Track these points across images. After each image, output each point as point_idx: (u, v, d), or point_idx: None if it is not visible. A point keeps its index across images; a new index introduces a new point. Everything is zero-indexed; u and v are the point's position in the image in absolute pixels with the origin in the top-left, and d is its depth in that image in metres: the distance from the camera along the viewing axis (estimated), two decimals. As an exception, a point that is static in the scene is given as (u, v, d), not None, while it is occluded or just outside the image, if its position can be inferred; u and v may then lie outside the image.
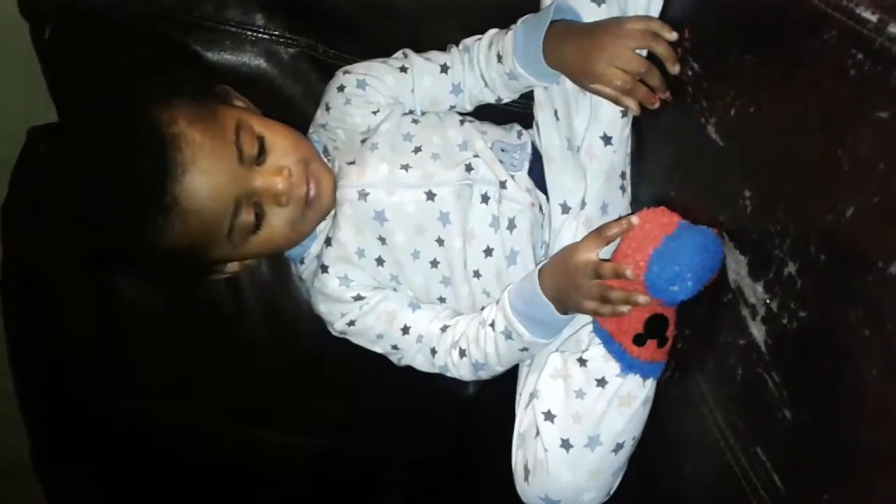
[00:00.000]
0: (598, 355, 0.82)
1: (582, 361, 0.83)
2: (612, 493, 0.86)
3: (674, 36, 0.80)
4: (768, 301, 0.65)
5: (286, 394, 1.16)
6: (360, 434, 1.19)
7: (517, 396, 0.93)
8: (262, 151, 0.87)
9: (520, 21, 0.91)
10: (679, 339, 0.79)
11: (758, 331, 0.67)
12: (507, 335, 0.87)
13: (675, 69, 0.80)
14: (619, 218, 0.81)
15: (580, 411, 0.81)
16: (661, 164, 0.86)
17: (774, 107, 0.66)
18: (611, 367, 0.81)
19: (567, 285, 0.81)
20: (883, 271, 0.54)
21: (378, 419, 1.18)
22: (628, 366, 0.80)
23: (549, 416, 0.83)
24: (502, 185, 0.90)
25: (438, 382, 1.14)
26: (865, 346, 0.56)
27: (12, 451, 1.27)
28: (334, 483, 1.22)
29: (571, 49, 0.85)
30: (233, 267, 0.97)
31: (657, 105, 0.83)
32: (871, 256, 0.55)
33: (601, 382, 0.81)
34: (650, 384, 0.81)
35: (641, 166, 0.87)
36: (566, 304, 0.82)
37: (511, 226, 0.90)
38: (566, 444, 0.81)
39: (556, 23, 0.87)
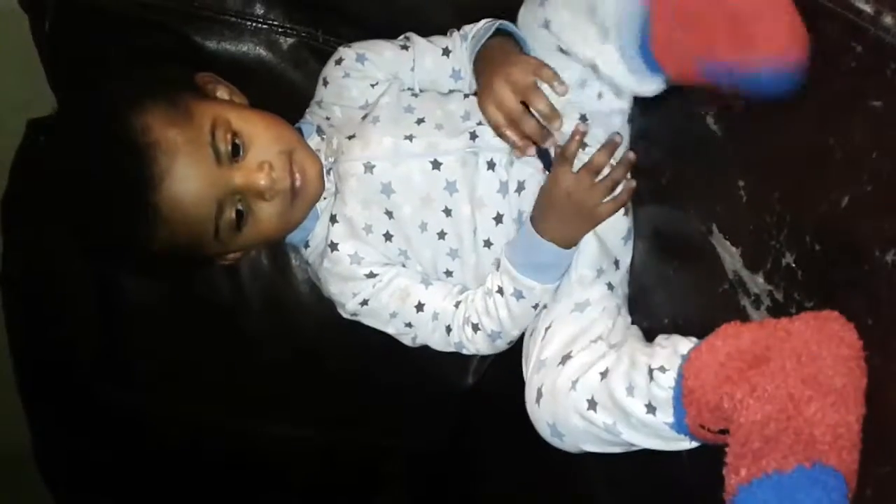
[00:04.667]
0: None
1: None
2: None
3: (563, 89, 0.83)
4: (772, 291, 0.66)
5: (287, 386, 1.17)
6: (361, 425, 1.19)
7: (528, 336, 0.91)
8: (241, 147, 0.86)
9: (484, 23, 0.92)
10: (672, 329, 0.79)
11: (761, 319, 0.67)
12: (518, 295, 0.88)
13: (553, 126, 0.84)
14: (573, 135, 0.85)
15: None
16: (658, 155, 0.86)
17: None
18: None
19: (568, 212, 0.84)
20: (880, 259, 0.55)
21: (378, 410, 1.18)
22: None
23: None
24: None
25: (439, 372, 1.15)
26: (868, 334, 0.57)
27: (14, 444, 1.28)
28: (336, 475, 1.23)
29: (480, 73, 0.89)
30: (233, 256, 0.96)
31: (526, 153, 0.86)
32: (867, 245, 0.56)
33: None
34: None
35: (638, 156, 0.88)
36: (574, 233, 0.86)
37: (520, 188, 0.89)
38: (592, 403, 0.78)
39: (495, 39, 0.89)
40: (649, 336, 0.81)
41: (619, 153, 0.87)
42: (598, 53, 0.78)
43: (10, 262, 1.17)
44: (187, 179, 0.82)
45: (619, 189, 0.85)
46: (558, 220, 0.85)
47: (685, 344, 0.70)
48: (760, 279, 0.66)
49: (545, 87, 0.85)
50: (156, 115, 0.83)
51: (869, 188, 0.57)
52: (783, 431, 0.57)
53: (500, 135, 0.86)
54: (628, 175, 0.87)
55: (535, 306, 0.89)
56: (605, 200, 0.85)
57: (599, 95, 0.87)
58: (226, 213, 0.86)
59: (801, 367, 0.58)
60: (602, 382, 0.76)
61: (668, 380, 0.69)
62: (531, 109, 0.84)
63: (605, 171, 0.85)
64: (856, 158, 0.58)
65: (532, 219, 0.87)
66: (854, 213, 0.58)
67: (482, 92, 0.87)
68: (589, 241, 0.88)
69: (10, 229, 1.16)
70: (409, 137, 0.90)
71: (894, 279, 0.54)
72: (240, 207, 0.87)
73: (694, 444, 0.72)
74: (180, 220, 0.83)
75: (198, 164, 0.83)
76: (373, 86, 0.96)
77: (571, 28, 0.81)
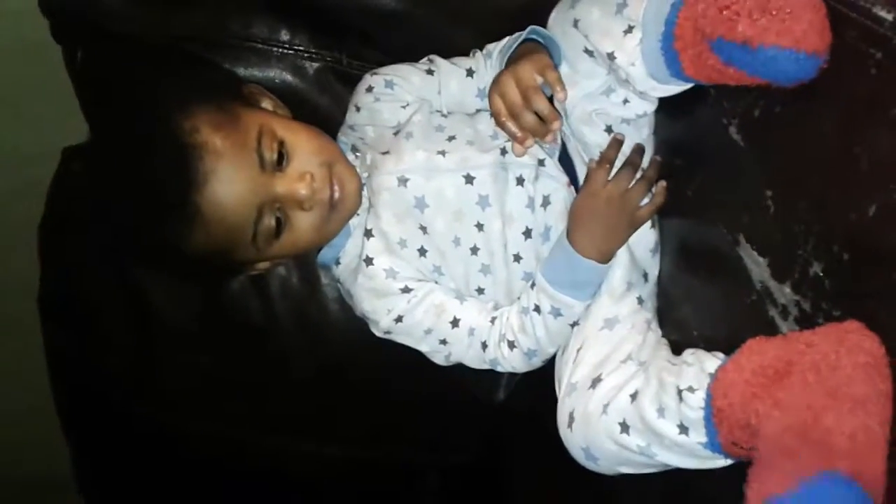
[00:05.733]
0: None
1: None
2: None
3: (562, 96, 0.83)
4: (800, 302, 0.65)
5: (317, 403, 1.17)
6: (392, 442, 1.20)
7: (560, 355, 0.91)
8: (285, 156, 0.88)
9: (510, 38, 0.92)
10: (700, 342, 0.78)
11: (789, 331, 0.66)
12: (556, 312, 0.88)
13: (553, 126, 0.84)
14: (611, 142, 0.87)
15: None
16: (683, 166, 0.86)
17: (796, 107, 0.66)
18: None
19: (608, 220, 0.85)
20: (907, 268, 0.55)
21: (409, 426, 1.19)
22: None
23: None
24: (541, 163, 0.90)
25: (467, 388, 1.16)
26: None
27: (53, 467, 1.30)
28: (369, 492, 1.23)
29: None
30: (263, 265, 0.97)
31: (522, 146, 0.86)
32: (894, 254, 0.56)
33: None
34: None
35: (662, 168, 0.88)
36: (613, 244, 0.86)
37: (545, 202, 0.90)
38: (624, 426, 0.78)
39: (523, 46, 0.90)
40: (679, 349, 0.80)
41: (645, 161, 0.89)
42: (618, 46, 0.79)
43: (48, 287, 1.19)
44: (231, 182, 0.84)
45: (659, 197, 0.87)
46: (597, 230, 0.86)
47: (712, 361, 0.70)
48: (788, 289, 0.66)
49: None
50: (204, 118, 0.85)
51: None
52: (800, 443, 0.57)
53: (500, 124, 0.87)
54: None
55: (573, 324, 0.89)
56: (642, 204, 0.87)
57: (625, 101, 0.88)
58: (265, 220, 0.87)
59: (821, 378, 0.58)
60: (633, 405, 0.76)
61: (697, 400, 0.69)
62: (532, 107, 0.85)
63: (649, 172, 0.87)
64: (882, 167, 0.58)
65: (568, 235, 0.87)
66: (882, 222, 0.58)
67: (491, 84, 0.88)
68: (620, 254, 0.88)
69: (47, 254, 1.19)
70: (442, 153, 0.91)
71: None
72: (278, 215, 0.88)
73: (729, 462, 0.71)
74: (220, 222, 0.84)
75: (242, 169, 0.85)
76: (403, 107, 0.97)
77: (598, 24, 0.81)
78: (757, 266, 0.70)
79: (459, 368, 0.99)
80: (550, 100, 0.85)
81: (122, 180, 0.86)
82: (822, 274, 0.62)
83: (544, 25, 0.91)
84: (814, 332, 0.61)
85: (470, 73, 0.98)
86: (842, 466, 0.56)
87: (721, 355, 0.70)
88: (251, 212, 0.86)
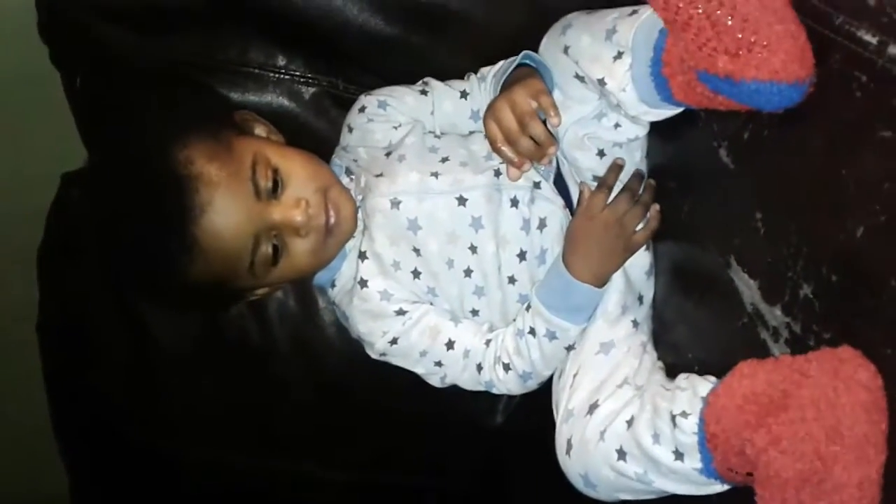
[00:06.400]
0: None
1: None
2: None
3: (556, 121, 0.84)
4: (790, 324, 0.65)
5: (316, 426, 1.18)
6: (389, 465, 1.20)
7: (557, 379, 0.91)
8: (280, 183, 0.88)
9: (504, 62, 0.93)
10: (694, 364, 0.78)
11: (781, 354, 0.66)
12: (552, 336, 0.88)
13: (549, 150, 0.85)
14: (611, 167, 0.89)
15: None
16: (675, 189, 0.86)
17: (784, 130, 0.67)
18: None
19: (605, 244, 0.86)
20: (895, 289, 0.55)
21: (408, 450, 1.19)
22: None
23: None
24: (536, 185, 0.91)
25: (467, 411, 1.15)
26: (887, 365, 0.56)
27: (51, 491, 1.30)
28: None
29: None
30: (261, 291, 0.97)
31: (520, 170, 0.88)
32: (883, 274, 0.56)
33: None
34: None
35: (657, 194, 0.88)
36: (609, 268, 0.87)
37: (542, 225, 0.91)
38: (621, 453, 0.78)
39: (518, 71, 0.90)
40: (674, 372, 0.80)
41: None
42: (608, 72, 0.79)
43: (47, 312, 1.20)
44: (227, 212, 0.84)
45: (654, 221, 0.88)
46: (593, 254, 0.86)
47: (704, 386, 0.70)
48: (779, 311, 0.66)
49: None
50: (199, 148, 0.85)
51: (883, 218, 0.56)
52: (812, 495, 0.57)
53: (496, 150, 0.87)
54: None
55: (568, 347, 0.89)
56: (637, 228, 0.87)
57: (616, 125, 0.88)
58: (262, 248, 0.88)
59: (822, 416, 0.57)
60: (629, 431, 0.76)
61: (690, 425, 0.68)
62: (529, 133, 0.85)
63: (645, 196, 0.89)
64: (868, 189, 0.58)
65: (564, 259, 0.88)
66: (869, 244, 0.57)
67: (486, 111, 0.88)
68: (616, 278, 0.88)
69: (46, 279, 1.19)
70: (435, 174, 0.92)
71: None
72: (275, 243, 0.88)
73: (726, 487, 0.71)
74: (218, 252, 0.85)
75: (238, 198, 0.85)
76: (396, 128, 0.98)
77: (588, 50, 0.82)
78: (748, 288, 0.70)
79: (457, 391, 0.99)
80: (544, 124, 0.86)
81: (118, 212, 0.87)
82: (811, 296, 0.62)
83: (537, 50, 0.92)
84: (807, 359, 0.60)
85: (464, 95, 0.99)
86: None
87: (714, 379, 0.69)
88: (248, 241, 0.86)
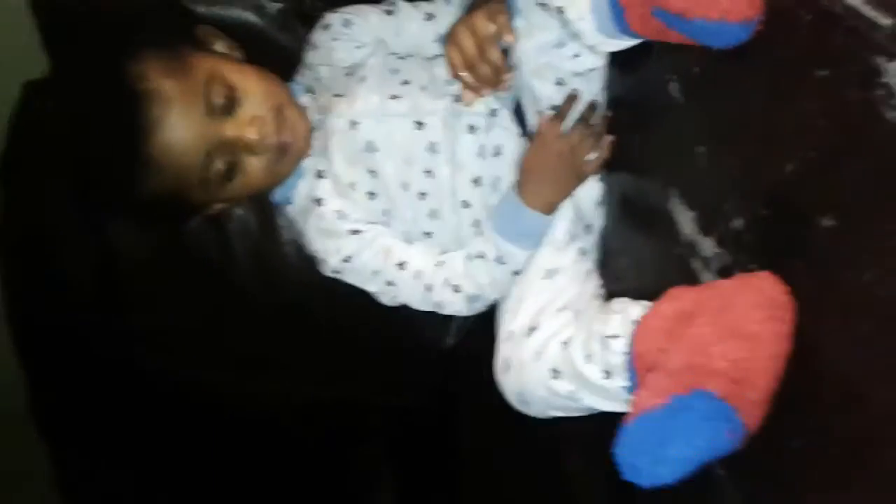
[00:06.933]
0: None
1: None
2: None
3: (510, 39, 0.85)
4: (721, 255, 0.68)
5: (274, 342, 1.19)
6: (344, 381, 1.23)
7: (502, 302, 0.94)
8: (235, 101, 0.89)
9: None
10: (632, 292, 0.81)
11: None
12: (500, 260, 0.90)
13: (506, 76, 0.86)
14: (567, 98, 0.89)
15: None
16: (627, 122, 0.88)
17: (731, 66, 0.68)
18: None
19: (557, 171, 0.88)
20: (818, 224, 0.57)
21: (361, 367, 1.21)
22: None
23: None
24: (493, 112, 0.92)
25: (421, 332, 1.18)
26: (806, 295, 0.59)
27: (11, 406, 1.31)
28: (318, 428, 1.26)
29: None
30: (218, 207, 0.98)
31: (476, 96, 0.89)
32: (808, 210, 0.58)
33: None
34: None
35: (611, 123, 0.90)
36: (559, 195, 0.89)
37: (497, 152, 0.92)
38: (555, 373, 0.81)
39: None
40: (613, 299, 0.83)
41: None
42: (568, 1, 0.79)
43: (9, 218, 1.20)
44: (178, 128, 0.85)
45: (606, 140, 0.89)
46: (545, 182, 0.88)
47: (636, 309, 0.73)
48: (711, 242, 0.68)
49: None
50: (153, 64, 0.85)
51: (812, 155, 0.59)
52: (683, 367, 0.60)
53: (455, 76, 0.88)
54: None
55: (516, 272, 0.92)
56: (590, 158, 0.88)
57: (576, 55, 0.89)
58: (215, 164, 0.88)
59: (718, 317, 0.61)
60: (563, 352, 0.79)
61: (619, 346, 0.71)
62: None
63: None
64: (803, 126, 0.60)
65: (516, 186, 0.89)
66: (798, 180, 0.60)
67: (447, 35, 0.89)
68: (565, 207, 0.90)
69: (9, 187, 1.19)
70: (395, 97, 0.92)
71: (830, 242, 0.56)
72: (229, 159, 0.89)
73: None
74: (171, 167, 0.86)
75: (190, 115, 0.86)
76: (359, 48, 0.98)
77: None
78: (686, 219, 0.72)
79: (412, 313, 1.02)
80: (504, 53, 0.86)
81: (77, 125, 0.87)
82: (742, 229, 0.65)
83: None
84: (725, 280, 0.63)
85: (430, 17, 0.99)
86: (716, 387, 0.58)
87: (646, 303, 0.72)
88: (200, 157, 0.87)
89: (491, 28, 0.85)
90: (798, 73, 0.60)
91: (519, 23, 0.88)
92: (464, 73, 0.87)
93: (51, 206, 1.16)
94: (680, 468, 0.58)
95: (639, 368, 0.68)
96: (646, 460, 0.58)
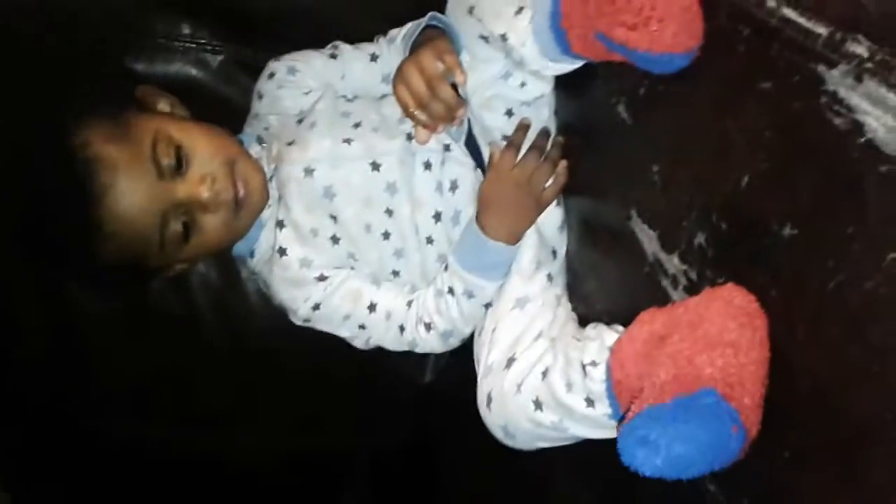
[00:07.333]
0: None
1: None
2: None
3: (462, 79, 0.85)
4: (687, 271, 0.68)
5: (241, 395, 1.19)
6: (324, 428, 1.22)
7: (477, 336, 0.93)
8: (184, 160, 0.87)
9: (413, 24, 0.94)
10: (603, 314, 0.81)
11: (680, 300, 0.69)
12: (469, 294, 0.90)
13: (458, 112, 0.87)
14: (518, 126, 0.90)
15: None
16: (579, 145, 0.88)
17: (675, 85, 0.68)
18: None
19: (516, 202, 0.88)
20: (778, 233, 0.58)
21: (339, 411, 1.20)
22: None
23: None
24: (447, 147, 0.92)
25: (397, 371, 1.17)
26: (774, 306, 0.59)
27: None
28: (302, 477, 1.25)
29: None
30: (179, 267, 0.97)
31: (432, 133, 0.89)
32: (767, 220, 0.58)
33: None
34: None
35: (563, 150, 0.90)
36: (521, 226, 0.89)
37: (454, 186, 0.92)
38: (538, 404, 0.79)
39: (426, 33, 0.91)
40: (586, 323, 0.82)
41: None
42: (510, 27, 0.80)
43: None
44: (129, 194, 0.84)
45: (562, 176, 0.89)
46: (506, 213, 0.88)
47: (610, 335, 0.73)
48: (676, 260, 0.68)
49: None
50: (96, 131, 0.84)
51: (765, 166, 0.59)
52: (673, 383, 0.59)
53: (408, 115, 0.88)
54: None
55: (486, 304, 0.91)
56: (546, 185, 0.89)
57: (522, 84, 0.90)
58: (171, 226, 0.87)
59: (694, 331, 0.60)
60: (544, 382, 0.78)
61: (599, 373, 0.71)
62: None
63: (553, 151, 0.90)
64: (752, 139, 0.60)
65: (477, 219, 0.89)
66: (754, 191, 0.60)
67: (395, 75, 0.89)
68: (528, 234, 0.90)
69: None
70: (348, 141, 0.92)
71: (792, 251, 0.57)
72: (185, 220, 0.88)
73: None
74: (125, 234, 0.84)
75: (139, 179, 0.85)
76: (306, 94, 0.98)
77: (491, 7, 0.83)
78: (648, 239, 0.72)
79: (386, 353, 1.01)
80: (454, 87, 0.86)
81: (24, 198, 0.85)
82: (704, 244, 0.65)
83: (444, 10, 0.92)
84: (693, 298, 0.63)
85: (374, 58, 0.99)
86: (709, 385, 0.57)
87: (620, 328, 0.72)
88: (155, 220, 0.86)
89: (439, 66, 0.85)
90: (741, 87, 0.61)
91: (464, 57, 0.89)
92: (416, 112, 0.87)
93: (4, 272, 1.14)
94: (684, 465, 0.57)
95: (619, 395, 0.68)
96: (649, 453, 0.56)
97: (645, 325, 0.66)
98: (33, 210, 0.85)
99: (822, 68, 0.54)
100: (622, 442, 0.58)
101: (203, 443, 1.22)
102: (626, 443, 0.58)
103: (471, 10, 0.86)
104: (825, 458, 0.54)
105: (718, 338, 0.59)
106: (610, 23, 0.66)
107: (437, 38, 0.90)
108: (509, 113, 0.91)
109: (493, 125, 0.93)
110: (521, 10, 0.79)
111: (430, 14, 0.91)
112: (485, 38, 0.85)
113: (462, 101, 0.87)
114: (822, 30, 0.54)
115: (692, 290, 0.66)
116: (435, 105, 0.86)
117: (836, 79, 0.52)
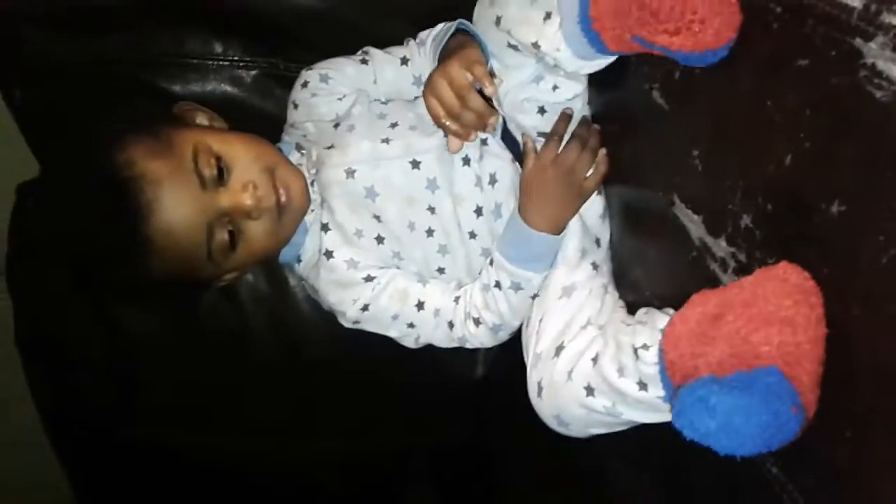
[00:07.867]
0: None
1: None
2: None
3: (492, 90, 0.84)
4: (735, 253, 0.68)
5: (298, 402, 1.20)
6: (381, 430, 1.23)
7: (525, 327, 0.93)
8: (225, 170, 0.89)
9: (442, 26, 0.94)
10: (653, 300, 0.81)
11: (731, 282, 0.68)
12: (517, 287, 0.90)
13: (490, 120, 0.86)
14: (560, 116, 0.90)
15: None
16: (617, 133, 0.88)
17: (711, 68, 0.67)
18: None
19: (558, 192, 0.88)
20: (826, 211, 0.57)
21: (395, 412, 1.21)
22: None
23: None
24: (484, 142, 0.92)
25: (449, 367, 1.18)
26: (825, 284, 0.59)
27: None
28: (364, 479, 1.26)
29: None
30: (229, 277, 0.98)
31: (463, 142, 0.89)
32: (813, 199, 0.58)
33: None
34: None
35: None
36: (564, 215, 0.89)
37: (493, 180, 0.92)
38: (589, 390, 0.79)
39: (455, 38, 0.92)
40: (635, 310, 0.82)
41: None
42: (540, 35, 0.79)
43: (22, 324, 1.21)
44: (176, 207, 0.85)
45: (603, 166, 0.89)
46: (549, 204, 0.88)
47: (662, 318, 0.72)
48: (724, 243, 0.68)
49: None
50: (138, 148, 0.86)
51: (808, 144, 0.59)
52: (732, 361, 0.59)
53: (440, 126, 0.89)
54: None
55: (534, 296, 0.91)
56: (588, 174, 0.89)
57: (555, 87, 0.90)
58: (217, 236, 0.89)
59: (749, 310, 0.60)
60: (594, 368, 0.78)
61: (651, 356, 0.71)
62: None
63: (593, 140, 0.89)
64: (792, 118, 0.60)
65: (520, 211, 0.89)
66: (798, 170, 0.59)
67: (426, 86, 0.89)
68: (572, 224, 0.90)
69: (16, 290, 1.20)
70: (386, 140, 0.93)
71: (841, 228, 0.56)
72: (230, 228, 0.89)
73: None
74: (174, 247, 0.86)
75: (184, 192, 0.86)
76: (340, 99, 0.99)
77: (517, 17, 0.83)
78: (693, 223, 0.72)
79: (436, 350, 1.02)
80: (483, 94, 0.86)
81: (72, 221, 0.87)
82: (751, 225, 0.64)
83: (472, 7, 0.92)
84: (747, 277, 0.63)
85: (405, 61, 0.99)
86: (768, 362, 0.57)
87: (672, 311, 0.72)
88: (202, 231, 0.87)
89: (468, 77, 0.85)
90: (778, 65, 0.60)
91: (494, 65, 0.89)
92: (448, 122, 0.87)
93: (59, 302, 1.17)
94: (739, 439, 0.56)
95: (673, 376, 0.68)
96: (706, 415, 0.56)
97: (698, 307, 0.65)
98: (84, 233, 0.87)
99: (858, 41, 0.53)
100: (679, 404, 0.58)
101: (260, 452, 1.24)
102: (684, 403, 0.58)
103: (497, 22, 0.86)
104: (889, 435, 0.54)
105: (774, 316, 0.59)
106: (652, 31, 0.66)
107: (467, 45, 0.90)
108: (542, 110, 0.92)
109: (529, 124, 0.93)
110: (548, 15, 0.79)
111: (458, 21, 0.92)
112: (514, 47, 0.86)
113: (493, 109, 0.87)
114: (856, 3, 0.53)
115: (742, 271, 0.66)
116: (466, 115, 0.87)
117: (874, 51, 0.52)
